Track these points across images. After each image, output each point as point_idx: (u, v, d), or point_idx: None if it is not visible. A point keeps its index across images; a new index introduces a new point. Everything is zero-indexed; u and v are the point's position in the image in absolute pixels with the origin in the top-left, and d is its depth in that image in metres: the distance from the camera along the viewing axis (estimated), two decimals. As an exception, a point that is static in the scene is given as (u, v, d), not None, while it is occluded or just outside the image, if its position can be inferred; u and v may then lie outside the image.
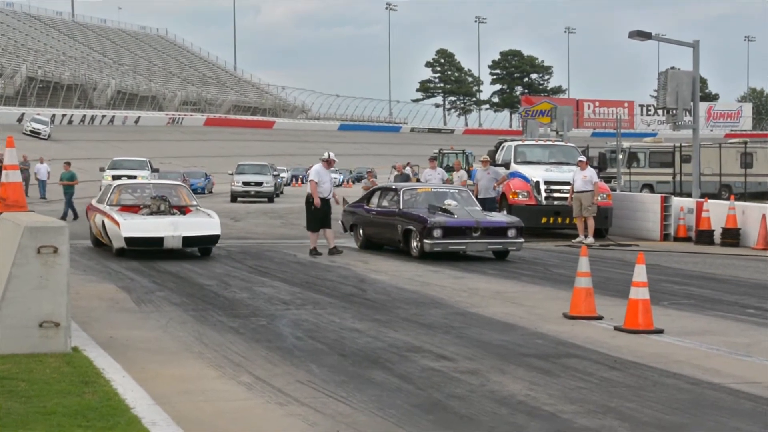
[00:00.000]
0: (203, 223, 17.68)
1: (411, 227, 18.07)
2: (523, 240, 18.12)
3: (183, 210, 18.51)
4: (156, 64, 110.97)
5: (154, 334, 9.82)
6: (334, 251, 18.47)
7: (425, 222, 17.62)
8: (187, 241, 17.25)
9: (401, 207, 18.84)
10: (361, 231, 20.25)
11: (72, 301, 8.35)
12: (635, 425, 6.50)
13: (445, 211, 18.16)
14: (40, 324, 7.99)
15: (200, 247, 17.75)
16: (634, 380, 7.87)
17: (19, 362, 7.57)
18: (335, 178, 64.94)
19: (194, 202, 19.17)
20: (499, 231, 17.79)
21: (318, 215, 18.66)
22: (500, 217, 18.79)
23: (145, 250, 17.16)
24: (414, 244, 17.93)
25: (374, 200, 20.18)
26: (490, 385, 7.59)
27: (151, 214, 17.94)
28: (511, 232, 17.85)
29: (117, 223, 17.06)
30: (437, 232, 17.47)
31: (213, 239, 17.54)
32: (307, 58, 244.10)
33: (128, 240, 16.91)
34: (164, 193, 18.89)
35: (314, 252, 18.46)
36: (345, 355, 8.75)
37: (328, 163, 19.08)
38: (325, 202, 18.78)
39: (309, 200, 18.74)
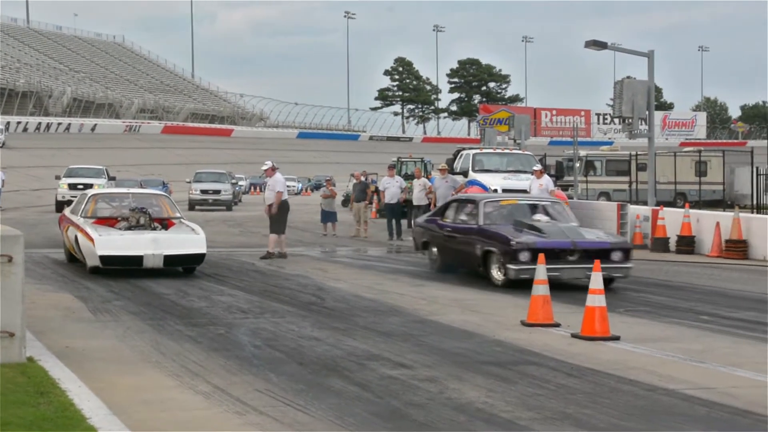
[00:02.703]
0: (187, 240, 16.11)
1: (491, 248, 15.05)
2: (631, 265, 15.02)
3: (165, 223, 16.96)
4: (112, 71, 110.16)
5: (111, 343, 9.74)
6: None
7: (509, 242, 14.62)
8: (169, 259, 15.73)
9: (481, 223, 15.86)
10: (434, 250, 17.45)
11: (27, 310, 8.27)
12: (591, 431, 6.56)
13: (534, 228, 15.15)
14: (-6, 334, 7.90)
15: (183, 266, 16.25)
16: (590, 387, 7.94)
17: (-27, 373, 7.48)
18: (292, 186, 64.89)
19: (178, 214, 17.56)
20: (601, 254, 14.04)
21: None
22: (603, 237, 15.52)
23: (123, 270, 15.69)
24: (495, 269, 14.95)
25: (449, 214, 17.29)
26: (449, 393, 7.62)
27: (130, 228, 16.39)
28: (616, 256, 14.68)
29: (91, 240, 15.55)
30: (524, 255, 14.29)
31: (198, 258, 16.01)
32: (265, 66, 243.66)
33: (103, 258, 15.41)
34: (145, 204, 17.34)
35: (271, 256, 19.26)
36: (303, 364, 8.74)
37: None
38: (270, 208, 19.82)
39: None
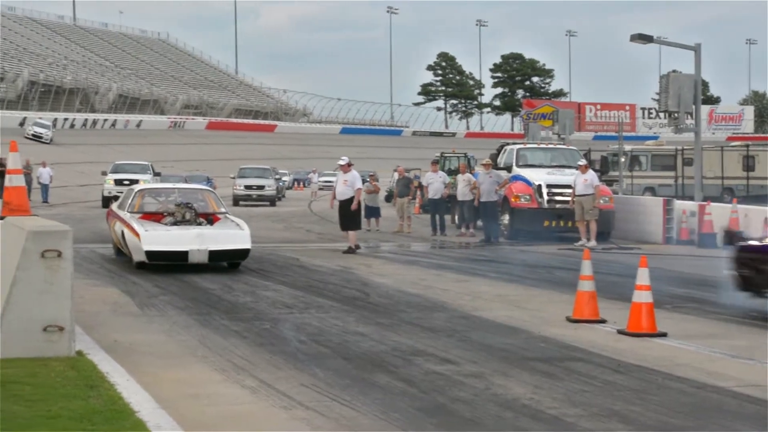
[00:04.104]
0: (232, 235, 16.16)
1: None
2: None
3: (211, 218, 17.07)
4: (157, 67, 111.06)
5: (158, 337, 9.82)
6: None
7: None
8: (214, 255, 15.78)
9: None
10: None
11: (76, 305, 8.36)
12: (639, 428, 6.51)
13: None
14: (44, 328, 8.00)
15: (228, 261, 16.28)
16: (637, 383, 7.87)
17: (24, 366, 7.58)
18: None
19: (223, 209, 17.67)
20: None
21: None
22: None
23: (169, 265, 15.75)
24: None
25: None
26: (494, 389, 7.60)
27: (176, 223, 16.50)
28: None
29: (137, 235, 15.63)
30: None
31: (242, 254, 16.11)
32: (308, 62, 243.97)
33: (149, 254, 15.48)
34: (190, 199, 17.42)
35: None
36: (349, 359, 8.76)
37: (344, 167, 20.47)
38: (341, 204, 20.24)
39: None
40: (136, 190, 18.10)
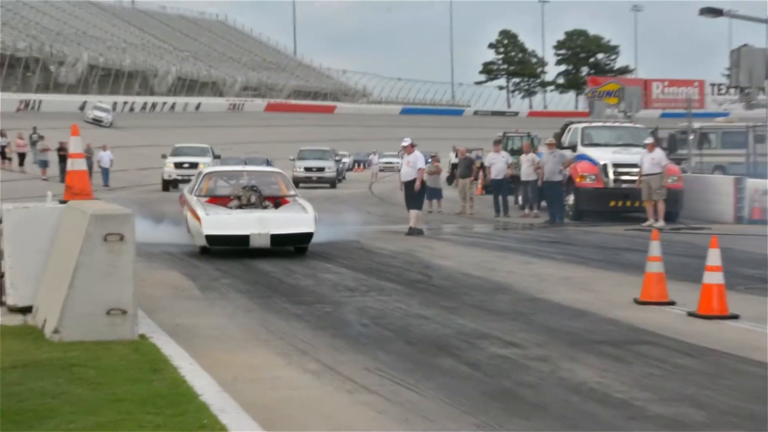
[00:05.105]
0: (295, 219, 15.94)
1: None
2: None
3: (279, 201, 16.92)
4: (216, 49, 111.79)
5: (220, 321, 9.92)
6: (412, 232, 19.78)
7: None
8: (276, 239, 15.52)
9: None
10: None
11: (137, 288, 8.46)
12: (713, 414, 6.42)
13: None
14: (107, 311, 8.11)
15: (293, 246, 16.06)
16: (709, 367, 7.77)
17: (87, 349, 7.70)
18: (396, 162, 64.97)
19: (292, 192, 17.53)
20: None
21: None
22: None
23: (232, 250, 15.71)
24: None
25: None
26: (561, 373, 7.55)
27: (240, 207, 16.39)
28: None
29: (198, 219, 15.53)
30: None
31: (305, 238, 15.76)
32: (367, 42, 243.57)
33: (210, 238, 15.37)
34: (261, 182, 17.32)
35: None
36: (412, 343, 8.77)
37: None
38: (405, 185, 20.33)
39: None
40: (203, 173, 18.09)
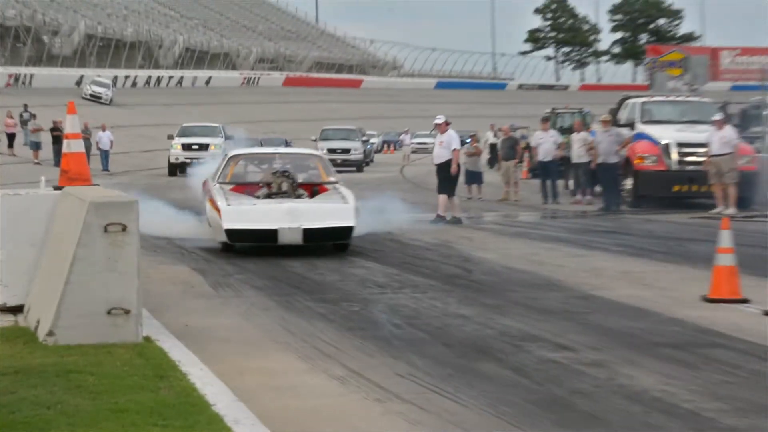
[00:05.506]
0: (331, 210, 15.20)
1: None
2: None
3: (317, 189, 16.28)
4: (228, 17, 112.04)
5: (234, 321, 9.95)
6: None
7: None
8: (310, 234, 14.69)
9: None
10: None
11: (142, 285, 8.49)
12: (793, 426, 6.37)
13: None
14: (108, 311, 8.13)
15: (330, 242, 15.30)
16: (789, 374, 7.71)
17: (86, 353, 7.73)
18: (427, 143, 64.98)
19: (332, 179, 16.70)
20: None
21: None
22: None
23: (258, 246, 15.07)
24: None
25: None
26: (619, 379, 7.53)
27: (269, 196, 15.66)
28: None
29: (218, 210, 14.82)
30: None
31: (343, 233, 14.98)
32: (397, 8, 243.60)
33: (230, 233, 14.61)
34: (298, 166, 16.72)
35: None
36: (450, 345, 8.76)
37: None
38: (438, 167, 20.38)
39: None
40: (229, 157, 17.39)
